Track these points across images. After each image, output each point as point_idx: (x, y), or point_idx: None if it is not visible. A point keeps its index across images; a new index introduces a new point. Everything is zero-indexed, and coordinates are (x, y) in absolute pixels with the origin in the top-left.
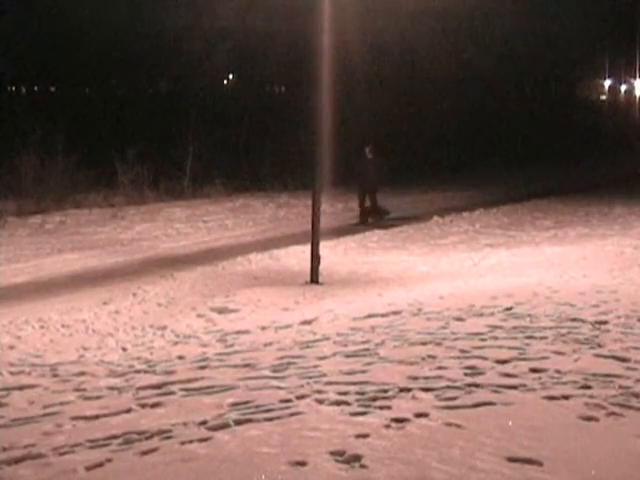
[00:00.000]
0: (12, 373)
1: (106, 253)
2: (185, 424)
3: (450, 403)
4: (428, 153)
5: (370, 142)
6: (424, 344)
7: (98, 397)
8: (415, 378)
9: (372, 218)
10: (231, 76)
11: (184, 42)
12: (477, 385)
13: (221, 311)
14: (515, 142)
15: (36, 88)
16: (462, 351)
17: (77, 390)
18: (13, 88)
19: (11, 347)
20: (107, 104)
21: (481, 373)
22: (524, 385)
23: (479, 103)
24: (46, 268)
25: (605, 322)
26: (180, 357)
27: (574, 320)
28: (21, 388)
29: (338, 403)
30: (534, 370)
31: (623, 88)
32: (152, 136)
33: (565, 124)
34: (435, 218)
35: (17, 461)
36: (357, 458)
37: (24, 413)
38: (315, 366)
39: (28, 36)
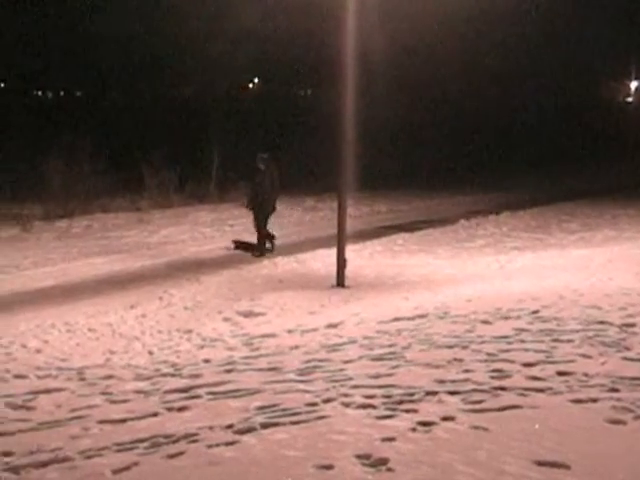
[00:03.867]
0: (39, 377)
1: (132, 257)
2: (211, 427)
3: (476, 406)
4: (454, 156)
5: (264, 150)
6: (450, 347)
7: (125, 401)
8: (441, 381)
9: (245, 248)
10: (256, 80)
11: (209, 45)
12: (504, 388)
13: (247, 315)
14: (539, 144)
15: (62, 93)
16: (488, 354)
17: (104, 394)
18: (40, 93)
19: (38, 351)
20: (133, 108)
21: (508, 376)
22: (551, 388)
23: (503, 105)
24: (73, 272)
25: (632, 325)
26: (206, 361)
27: (601, 323)
28: (48, 392)
29: (364, 406)
30: (561, 373)
31: None
32: (178, 140)
33: (588, 126)
34: (461, 221)
35: (44, 464)
36: (383, 461)
37: (51, 416)
38: (341, 369)
39: (54, 41)
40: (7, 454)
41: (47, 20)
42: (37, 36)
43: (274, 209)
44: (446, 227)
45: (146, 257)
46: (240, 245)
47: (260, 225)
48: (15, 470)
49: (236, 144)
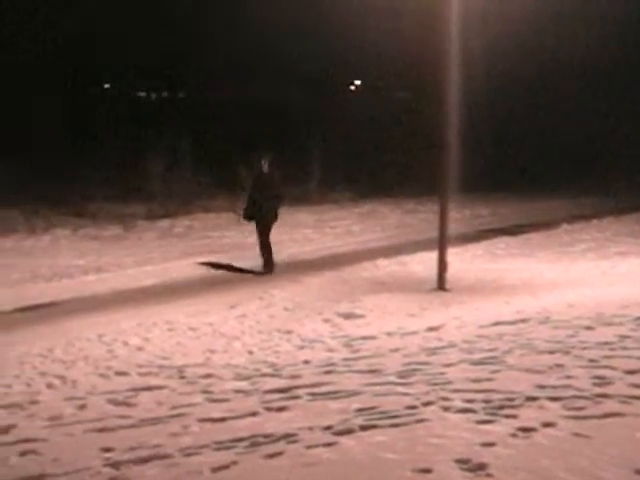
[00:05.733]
0: (140, 374)
1: (233, 257)
2: (310, 428)
3: (578, 413)
4: (556, 159)
5: (269, 151)
6: (552, 353)
7: (224, 400)
8: (542, 387)
9: (267, 268)
10: (358, 82)
11: (309, 46)
12: (606, 395)
13: (347, 316)
14: None
15: (166, 94)
16: (591, 360)
17: (204, 392)
18: (143, 94)
19: (139, 348)
20: (234, 109)
21: (610, 383)
22: None
23: (607, 107)
24: (174, 271)
25: None
26: (306, 361)
27: None
28: (149, 389)
29: (464, 411)
30: None
31: None
32: (279, 141)
33: None
34: (564, 225)
35: (144, 461)
36: (483, 467)
37: (152, 414)
38: (441, 373)
39: (158, 44)
40: (108, 450)
41: (150, 21)
42: (141, 37)
43: (276, 218)
44: (548, 231)
45: (247, 257)
46: (217, 267)
47: (264, 237)
48: (115, 466)
49: (338, 145)
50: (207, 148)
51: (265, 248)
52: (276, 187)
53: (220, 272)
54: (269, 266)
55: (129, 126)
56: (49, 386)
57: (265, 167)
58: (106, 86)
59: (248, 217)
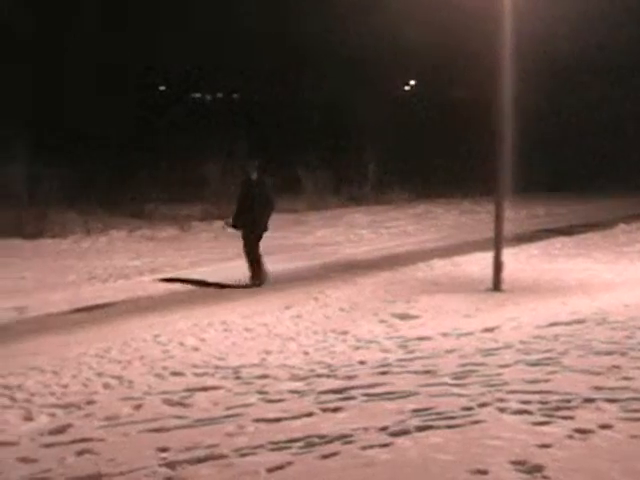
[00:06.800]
0: (196, 374)
1: (288, 258)
2: (366, 429)
3: (636, 415)
4: (610, 158)
5: (256, 156)
6: (609, 354)
7: (280, 400)
8: (599, 388)
9: (255, 280)
10: (413, 82)
11: (363, 44)
12: None
13: (402, 317)
14: None
15: (220, 95)
16: None
17: (259, 393)
18: (198, 95)
19: (195, 349)
20: (289, 110)
21: None
22: None
23: None
24: (228, 272)
25: None
26: (361, 362)
27: None
28: (205, 389)
29: (520, 412)
30: None
31: None
32: (334, 142)
33: None
34: (621, 225)
35: (200, 461)
36: (539, 468)
37: (207, 414)
38: (497, 374)
39: (211, 46)
40: (164, 450)
41: (204, 24)
42: (193, 42)
43: (266, 228)
44: (605, 231)
45: (302, 258)
46: (186, 283)
47: (251, 248)
48: (171, 465)
49: (392, 146)
50: (262, 148)
51: (254, 259)
52: (266, 195)
53: (275, 273)
54: (257, 277)
55: (185, 128)
56: (105, 386)
57: (254, 174)
58: (161, 88)
59: (237, 226)
